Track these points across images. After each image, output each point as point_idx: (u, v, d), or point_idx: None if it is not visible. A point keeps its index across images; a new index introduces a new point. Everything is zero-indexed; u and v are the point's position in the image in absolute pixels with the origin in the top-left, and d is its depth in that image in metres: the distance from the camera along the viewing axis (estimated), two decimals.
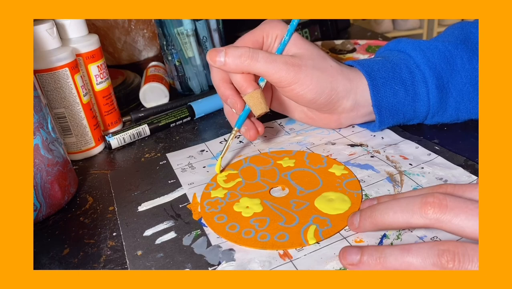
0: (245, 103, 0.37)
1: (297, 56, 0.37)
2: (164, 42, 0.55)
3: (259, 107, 0.36)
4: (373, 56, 0.45)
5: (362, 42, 0.65)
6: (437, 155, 0.36)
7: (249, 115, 0.38)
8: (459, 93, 0.38)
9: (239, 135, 0.44)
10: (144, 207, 0.34)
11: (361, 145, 0.39)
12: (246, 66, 0.35)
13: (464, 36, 0.40)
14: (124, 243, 0.30)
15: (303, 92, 0.36)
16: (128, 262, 0.29)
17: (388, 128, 0.41)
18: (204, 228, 0.31)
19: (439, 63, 0.38)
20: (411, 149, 0.37)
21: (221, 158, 0.37)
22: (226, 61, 0.36)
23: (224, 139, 0.44)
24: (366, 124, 0.42)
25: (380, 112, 0.38)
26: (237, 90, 0.37)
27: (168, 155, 0.42)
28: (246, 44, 0.37)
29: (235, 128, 0.37)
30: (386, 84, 0.38)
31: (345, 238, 0.28)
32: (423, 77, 0.38)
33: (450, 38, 0.40)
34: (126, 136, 0.46)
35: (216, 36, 0.56)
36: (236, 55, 0.35)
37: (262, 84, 0.37)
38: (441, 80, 0.37)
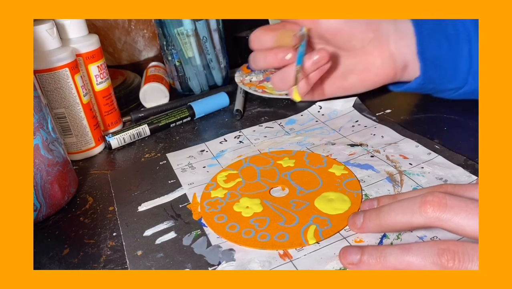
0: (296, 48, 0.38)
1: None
2: (164, 42, 0.55)
3: (290, 37, 0.38)
4: None
5: None
6: (437, 154, 0.36)
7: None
8: None
9: (239, 136, 0.44)
10: (144, 207, 0.34)
11: (361, 145, 0.39)
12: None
13: None
14: (124, 243, 0.30)
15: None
16: (128, 262, 0.29)
17: (388, 126, 0.41)
18: (204, 228, 0.31)
19: None
20: (411, 147, 0.37)
21: (296, 86, 0.38)
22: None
23: (224, 139, 0.44)
24: (406, 86, 0.41)
25: (424, 62, 0.38)
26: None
27: (168, 155, 0.42)
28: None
29: (297, 66, 0.38)
30: (432, 36, 0.37)
31: (345, 238, 0.28)
32: (467, 35, 0.37)
33: None
34: (126, 136, 0.46)
35: (216, 36, 0.56)
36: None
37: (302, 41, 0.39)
38: None
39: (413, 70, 0.40)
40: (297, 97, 0.38)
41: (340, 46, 0.41)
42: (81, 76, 0.43)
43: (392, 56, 0.40)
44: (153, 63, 0.64)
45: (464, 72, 0.39)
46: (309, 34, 0.40)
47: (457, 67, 0.38)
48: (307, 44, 0.40)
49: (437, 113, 0.44)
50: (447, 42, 0.38)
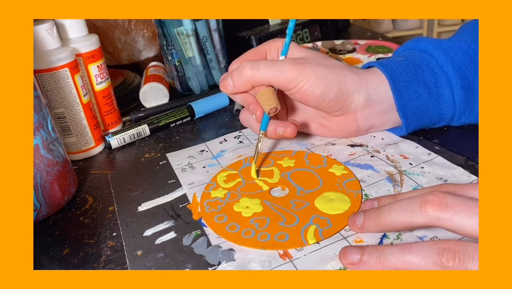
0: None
1: (300, 57, 0.37)
2: (164, 42, 0.55)
3: (270, 103, 0.35)
4: (392, 55, 0.44)
5: (362, 42, 0.65)
6: (437, 155, 0.36)
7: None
8: None
9: (239, 136, 0.44)
10: (144, 207, 0.34)
11: (361, 145, 0.39)
12: (251, 77, 0.35)
13: None
14: (124, 243, 0.30)
15: (310, 88, 0.35)
16: (128, 262, 0.29)
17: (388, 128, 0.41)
18: (204, 228, 0.31)
19: (463, 63, 0.37)
20: (411, 148, 0.37)
21: (255, 163, 0.37)
22: (234, 83, 0.36)
23: (224, 139, 0.44)
24: (392, 129, 0.41)
25: (405, 116, 0.38)
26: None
27: (168, 155, 0.42)
28: (248, 59, 0.38)
29: (261, 132, 0.36)
30: (409, 88, 0.37)
31: (345, 238, 0.28)
32: (446, 78, 0.37)
33: (471, 36, 0.39)
34: (126, 136, 0.46)
35: (216, 36, 0.56)
36: (239, 73, 0.36)
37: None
38: (466, 80, 0.37)
39: (380, 127, 0.40)
40: (254, 176, 0.36)
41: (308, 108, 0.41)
42: (81, 76, 0.43)
43: (356, 122, 0.39)
44: (153, 63, 0.64)
45: (449, 114, 0.38)
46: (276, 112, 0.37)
47: (441, 112, 0.38)
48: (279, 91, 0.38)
49: None
50: (427, 91, 0.37)
